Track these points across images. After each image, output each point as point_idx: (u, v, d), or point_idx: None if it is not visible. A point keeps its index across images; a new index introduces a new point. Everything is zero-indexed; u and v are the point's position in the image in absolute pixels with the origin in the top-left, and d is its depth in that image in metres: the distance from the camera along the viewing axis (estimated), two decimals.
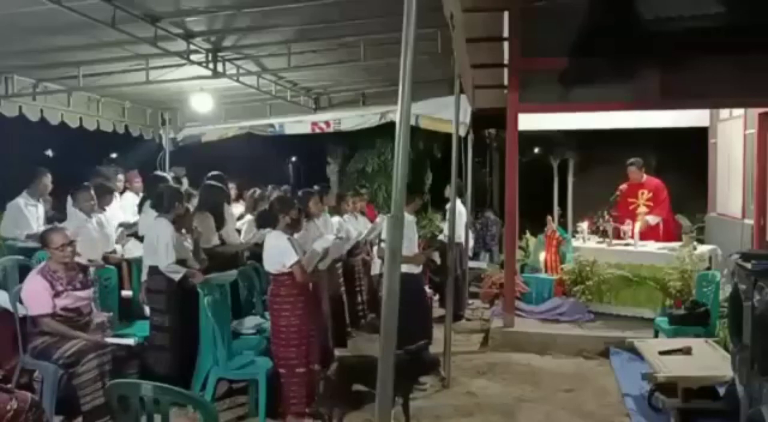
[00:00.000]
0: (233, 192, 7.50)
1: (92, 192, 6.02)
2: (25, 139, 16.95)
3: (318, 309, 4.89)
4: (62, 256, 4.31)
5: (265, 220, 4.62)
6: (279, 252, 4.40)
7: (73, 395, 4.21)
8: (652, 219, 7.37)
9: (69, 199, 6.49)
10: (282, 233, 4.47)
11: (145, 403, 2.58)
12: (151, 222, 5.18)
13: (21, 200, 6.30)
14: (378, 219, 7.13)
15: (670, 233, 7.48)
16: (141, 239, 6.13)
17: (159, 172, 7.06)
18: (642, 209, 7.53)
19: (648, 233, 7.29)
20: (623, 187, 7.68)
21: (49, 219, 6.47)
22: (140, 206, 6.66)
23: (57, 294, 4.23)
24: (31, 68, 7.26)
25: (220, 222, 5.91)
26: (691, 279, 6.21)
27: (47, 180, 6.48)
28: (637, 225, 7.07)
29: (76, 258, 4.53)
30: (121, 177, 7.71)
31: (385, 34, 6.40)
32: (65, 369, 4.15)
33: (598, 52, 6.12)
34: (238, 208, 7.27)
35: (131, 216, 6.97)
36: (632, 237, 7.01)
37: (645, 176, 7.72)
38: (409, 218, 5.16)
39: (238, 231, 6.46)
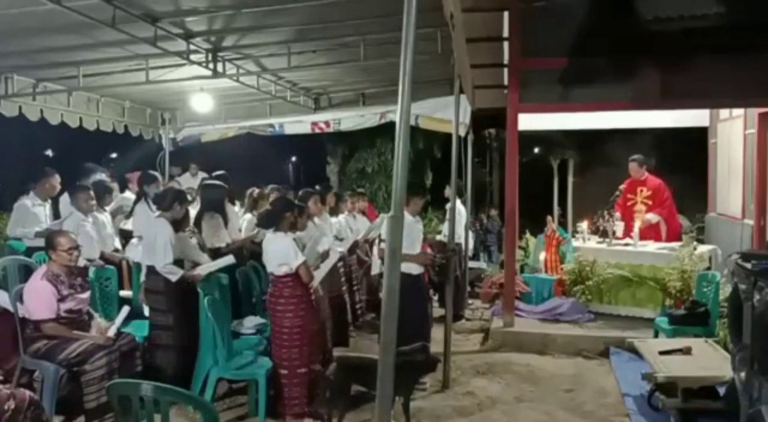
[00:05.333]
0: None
1: (91, 192, 6.02)
2: (25, 139, 16.97)
3: (319, 309, 4.89)
4: (68, 259, 4.31)
5: (268, 220, 4.61)
6: (283, 254, 4.38)
7: (74, 394, 4.22)
8: (653, 217, 7.35)
9: (62, 199, 6.49)
10: (285, 234, 4.46)
11: (145, 403, 2.58)
12: (146, 222, 5.18)
13: (28, 201, 6.30)
14: (378, 219, 7.11)
15: (674, 234, 7.45)
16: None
17: (151, 172, 7.05)
18: (639, 207, 7.52)
19: (651, 234, 7.28)
20: (623, 187, 7.68)
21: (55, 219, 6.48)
22: (132, 207, 6.66)
23: (62, 299, 4.24)
24: (31, 68, 7.26)
25: (225, 220, 5.94)
26: (691, 279, 6.21)
27: (55, 181, 6.47)
28: (637, 223, 7.07)
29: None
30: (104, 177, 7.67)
31: (385, 34, 6.41)
32: (69, 369, 4.15)
33: (598, 52, 6.12)
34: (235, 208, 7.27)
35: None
36: (629, 235, 7.01)
37: (646, 174, 7.68)
38: (409, 219, 5.15)
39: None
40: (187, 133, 9.88)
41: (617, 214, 7.32)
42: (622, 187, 7.67)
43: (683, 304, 5.93)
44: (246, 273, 5.69)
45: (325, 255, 5.09)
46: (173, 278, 4.66)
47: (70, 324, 4.28)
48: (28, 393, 3.17)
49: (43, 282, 4.21)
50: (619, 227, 7.18)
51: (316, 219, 5.77)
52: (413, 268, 5.08)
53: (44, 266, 4.41)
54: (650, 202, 7.50)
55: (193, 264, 4.96)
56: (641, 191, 7.59)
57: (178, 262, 4.75)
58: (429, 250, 6.54)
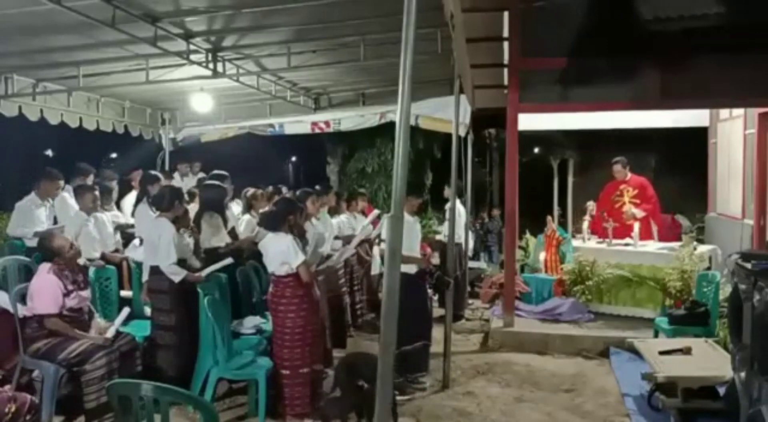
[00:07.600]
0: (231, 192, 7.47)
1: (97, 192, 6.03)
2: (25, 139, 16.98)
3: (319, 308, 4.89)
4: (72, 257, 4.36)
5: (271, 221, 4.61)
6: (285, 254, 4.38)
7: (74, 394, 4.22)
8: (638, 212, 7.44)
9: (59, 198, 6.49)
10: (286, 234, 4.47)
11: (145, 403, 2.58)
12: (148, 223, 5.17)
13: (29, 201, 6.31)
14: (370, 216, 7.06)
15: (665, 232, 7.48)
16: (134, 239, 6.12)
17: (152, 172, 7.03)
18: (628, 207, 7.59)
19: (642, 234, 7.29)
20: (603, 191, 7.75)
21: (55, 220, 6.48)
22: (134, 207, 6.66)
23: (67, 294, 4.26)
24: (31, 68, 7.27)
25: (224, 220, 5.95)
26: (691, 279, 6.21)
27: (57, 182, 6.48)
28: (636, 226, 7.07)
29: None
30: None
31: (385, 34, 6.42)
32: (69, 369, 4.15)
33: (597, 52, 6.12)
34: (236, 208, 7.27)
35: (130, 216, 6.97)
36: (630, 235, 7.02)
37: (630, 174, 7.83)
38: (409, 219, 5.15)
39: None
40: (187, 133, 9.89)
41: (611, 221, 7.33)
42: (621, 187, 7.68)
43: (683, 304, 5.93)
44: (246, 273, 5.69)
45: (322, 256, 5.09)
46: (176, 278, 4.66)
47: (71, 322, 4.29)
48: (29, 396, 3.17)
49: (50, 275, 4.24)
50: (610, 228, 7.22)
51: (313, 219, 5.77)
52: (411, 267, 5.09)
53: (50, 263, 4.41)
54: (637, 201, 7.62)
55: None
56: (627, 191, 7.70)
57: (181, 262, 4.76)
58: (428, 250, 6.54)
